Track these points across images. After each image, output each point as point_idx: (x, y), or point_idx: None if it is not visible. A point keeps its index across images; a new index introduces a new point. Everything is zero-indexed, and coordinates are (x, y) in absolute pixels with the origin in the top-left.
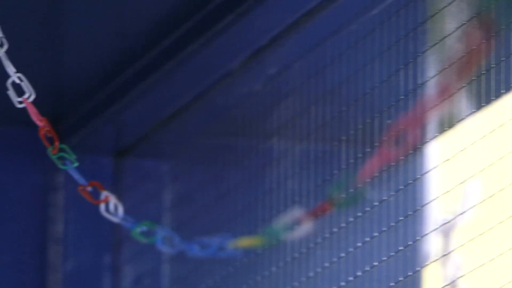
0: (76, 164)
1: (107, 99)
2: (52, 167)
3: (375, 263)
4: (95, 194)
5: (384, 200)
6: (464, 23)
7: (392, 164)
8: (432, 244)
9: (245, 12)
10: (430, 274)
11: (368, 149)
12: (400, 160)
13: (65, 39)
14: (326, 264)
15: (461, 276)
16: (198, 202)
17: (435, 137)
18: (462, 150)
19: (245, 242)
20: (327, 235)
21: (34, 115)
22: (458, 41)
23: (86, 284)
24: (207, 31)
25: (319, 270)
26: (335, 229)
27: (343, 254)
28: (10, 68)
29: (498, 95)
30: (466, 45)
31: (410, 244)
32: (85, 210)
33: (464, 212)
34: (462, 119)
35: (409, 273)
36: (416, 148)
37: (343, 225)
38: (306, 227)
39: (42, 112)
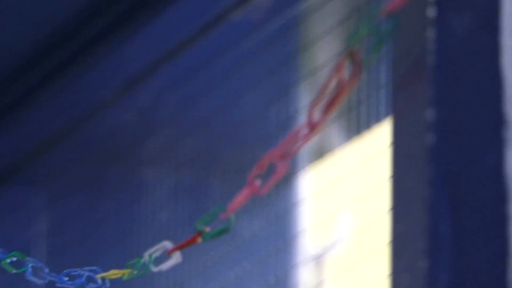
0: None
1: None
2: None
3: None
4: None
5: (255, 231)
6: (334, 56)
7: (262, 196)
8: (304, 276)
9: (117, 43)
10: None
11: (240, 181)
12: (270, 192)
13: None
14: None
15: None
16: (71, 231)
17: (306, 168)
18: (332, 182)
19: (114, 274)
20: (199, 266)
21: None
22: (328, 74)
23: None
24: (80, 63)
25: None
26: (207, 261)
27: (215, 285)
28: None
29: (368, 127)
30: (335, 77)
31: (280, 275)
32: None
33: (335, 243)
34: (333, 150)
35: None
36: (286, 179)
37: (215, 256)
38: (175, 259)
39: None
